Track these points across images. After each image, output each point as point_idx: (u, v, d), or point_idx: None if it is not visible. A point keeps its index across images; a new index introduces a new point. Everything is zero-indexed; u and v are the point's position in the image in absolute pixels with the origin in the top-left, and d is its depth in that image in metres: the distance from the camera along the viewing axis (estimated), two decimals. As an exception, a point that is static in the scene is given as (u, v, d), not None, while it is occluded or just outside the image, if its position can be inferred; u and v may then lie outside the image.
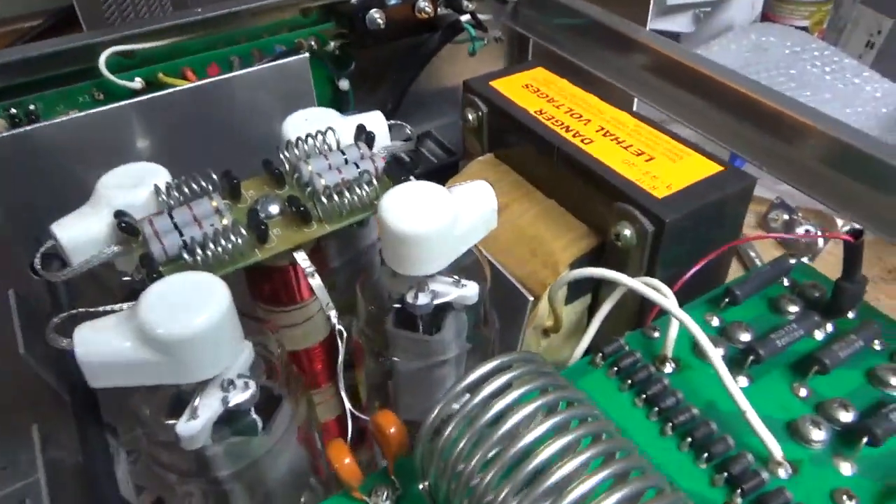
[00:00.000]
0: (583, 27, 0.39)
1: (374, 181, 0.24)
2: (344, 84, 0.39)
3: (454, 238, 0.23)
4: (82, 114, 0.28)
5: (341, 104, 0.40)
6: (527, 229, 0.31)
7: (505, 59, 0.48)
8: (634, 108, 0.34)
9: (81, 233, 0.23)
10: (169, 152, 0.30)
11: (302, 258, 0.24)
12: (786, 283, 0.27)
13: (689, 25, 0.75)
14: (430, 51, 0.42)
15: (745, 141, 0.31)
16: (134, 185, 0.24)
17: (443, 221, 0.22)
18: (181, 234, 0.22)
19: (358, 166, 0.25)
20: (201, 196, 0.24)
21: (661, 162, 0.29)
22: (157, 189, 0.24)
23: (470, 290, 0.24)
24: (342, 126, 0.27)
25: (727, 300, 0.26)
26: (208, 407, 0.21)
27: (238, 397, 0.21)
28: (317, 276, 0.24)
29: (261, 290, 0.26)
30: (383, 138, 0.28)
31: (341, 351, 0.24)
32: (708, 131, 0.33)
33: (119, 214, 0.23)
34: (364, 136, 0.26)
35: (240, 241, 0.22)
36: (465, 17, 0.41)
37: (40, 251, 0.23)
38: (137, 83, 0.33)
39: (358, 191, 0.24)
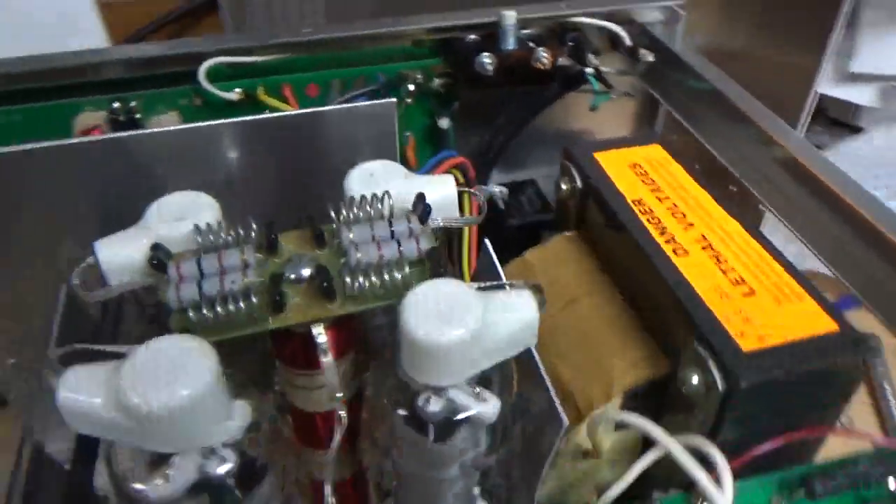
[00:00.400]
0: (718, 104, 0.34)
1: (407, 268, 0.22)
2: (444, 123, 0.37)
3: (479, 352, 0.20)
4: (169, 129, 0.28)
5: (440, 142, 0.38)
6: (592, 333, 0.27)
7: (632, 120, 0.43)
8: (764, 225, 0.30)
9: (121, 255, 0.23)
10: (239, 180, 0.29)
11: (318, 332, 0.22)
12: (893, 485, 0.22)
13: (876, 100, 0.65)
14: (545, 100, 0.38)
15: (884, 293, 0.26)
16: (179, 216, 0.24)
17: (465, 335, 0.20)
18: (200, 288, 0.21)
19: (400, 244, 0.22)
20: (236, 245, 0.23)
21: (762, 300, 0.24)
22: (196, 228, 0.23)
23: (488, 408, 0.22)
24: (405, 187, 0.25)
25: (802, 490, 0.22)
26: (182, 473, 0.20)
27: (216, 468, 0.20)
28: (329, 353, 0.22)
29: (281, 350, 0.24)
30: (449, 207, 0.26)
31: (336, 438, 0.22)
32: (840, 270, 0.27)
33: (155, 248, 0.23)
34: (420, 207, 0.24)
35: (255, 304, 0.21)
36: (589, 70, 0.38)
37: (81, 265, 0.23)
38: (235, 95, 0.33)
39: (389, 275, 0.22)
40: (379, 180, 0.25)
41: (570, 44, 0.36)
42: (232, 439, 0.21)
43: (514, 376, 0.23)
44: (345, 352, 0.24)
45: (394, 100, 0.28)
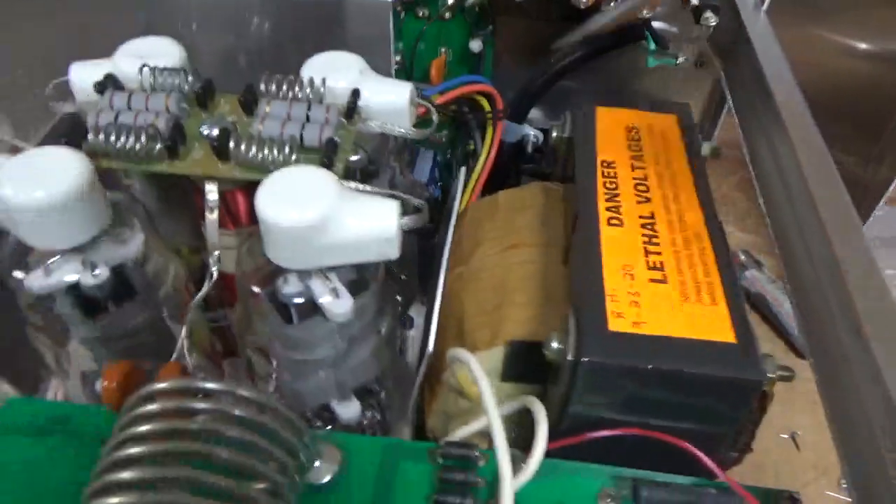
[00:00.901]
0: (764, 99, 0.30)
1: (293, 151, 0.22)
2: (475, 45, 0.35)
3: (327, 245, 0.20)
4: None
5: (475, 67, 0.37)
6: (510, 282, 0.26)
7: (699, 90, 0.39)
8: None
9: (85, 77, 0.25)
10: (229, 45, 0.31)
11: (210, 189, 0.23)
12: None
13: None
14: (594, 49, 0.36)
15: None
16: (143, 57, 0.25)
17: (307, 222, 0.20)
18: (116, 117, 0.23)
19: (303, 128, 0.23)
20: (171, 91, 0.24)
21: (668, 292, 0.22)
22: (142, 69, 0.24)
23: (338, 307, 0.22)
24: (357, 81, 0.25)
25: (630, 491, 0.20)
26: (60, 273, 0.22)
27: (87, 278, 0.22)
28: (216, 211, 0.23)
29: (198, 203, 0.26)
30: (396, 116, 0.26)
31: (204, 289, 0.23)
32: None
33: (107, 76, 0.25)
34: (350, 101, 0.24)
35: (156, 145, 0.22)
36: (657, 24, 0.34)
37: (53, 82, 0.26)
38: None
39: (282, 154, 0.22)
40: (334, 70, 0.25)
41: (631, -10, 0.33)
42: (118, 259, 0.23)
43: (377, 284, 0.23)
44: (247, 222, 0.25)
45: (389, 1, 0.28)
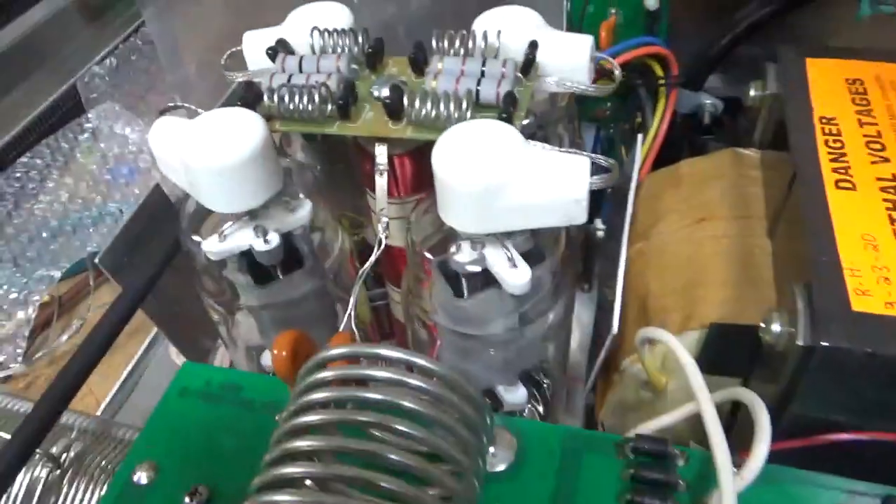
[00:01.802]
0: None
1: (469, 108, 0.20)
2: (650, 3, 0.32)
3: (508, 206, 0.18)
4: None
5: (650, 28, 0.34)
6: (703, 258, 0.23)
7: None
8: None
9: (258, 44, 0.25)
10: (404, 14, 0.29)
11: (379, 152, 0.22)
12: None
13: None
14: (788, 1, 0.31)
15: None
16: (313, 21, 0.25)
17: (479, 181, 0.18)
18: (289, 79, 0.22)
19: (478, 84, 0.21)
20: (339, 53, 0.23)
21: (925, 265, 0.17)
22: (312, 32, 0.24)
23: (516, 277, 0.20)
24: (534, 35, 0.23)
25: (876, 510, 0.16)
26: (233, 240, 0.22)
27: (258, 244, 0.22)
28: (385, 175, 0.22)
29: (364, 172, 0.25)
30: (574, 72, 0.23)
31: (373, 257, 0.22)
32: None
33: (278, 42, 0.24)
34: (528, 55, 0.22)
35: (326, 107, 0.22)
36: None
37: (228, 52, 0.26)
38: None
39: (454, 109, 0.20)
40: (507, 24, 0.23)
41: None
42: (288, 226, 0.23)
43: (557, 256, 0.20)
44: (418, 188, 0.24)
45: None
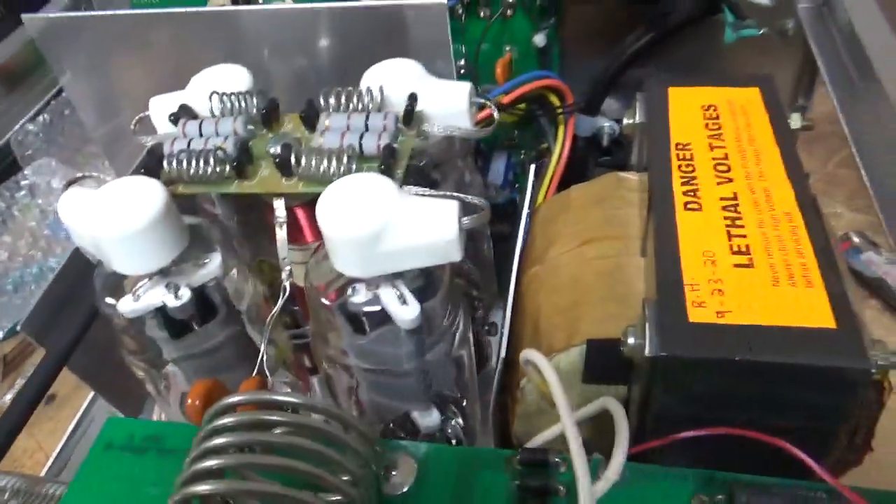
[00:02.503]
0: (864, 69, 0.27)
1: (352, 161, 0.22)
2: (539, 40, 0.34)
3: (390, 251, 0.20)
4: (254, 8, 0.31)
5: (542, 62, 0.36)
6: (586, 278, 0.25)
7: (788, 63, 0.36)
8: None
9: (163, 110, 0.27)
10: (299, 66, 0.31)
11: (277, 206, 0.24)
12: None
13: None
14: (670, 27, 0.34)
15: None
16: (213, 84, 0.27)
17: (366, 229, 0.20)
18: (189, 144, 0.24)
19: (361, 139, 0.23)
20: (238, 114, 0.25)
21: (756, 276, 0.20)
22: (211, 96, 0.25)
23: (406, 313, 0.21)
24: (416, 86, 0.25)
25: (721, 498, 0.18)
26: (147, 298, 0.24)
27: (173, 299, 0.24)
28: (284, 227, 0.24)
29: (268, 222, 0.26)
30: (457, 117, 0.25)
31: (280, 302, 0.24)
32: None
33: (181, 108, 0.26)
34: (407, 106, 0.24)
35: (225, 169, 0.23)
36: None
37: (137, 117, 0.28)
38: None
39: (338, 163, 0.22)
40: (391, 77, 0.25)
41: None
42: (200, 280, 0.24)
43: (445, 288, 0.22)
44: (317, 236, 0.25)
45: (445, 1, 0.28)
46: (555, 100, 0.36)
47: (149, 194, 0.22)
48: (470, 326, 0.25)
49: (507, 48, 0.36)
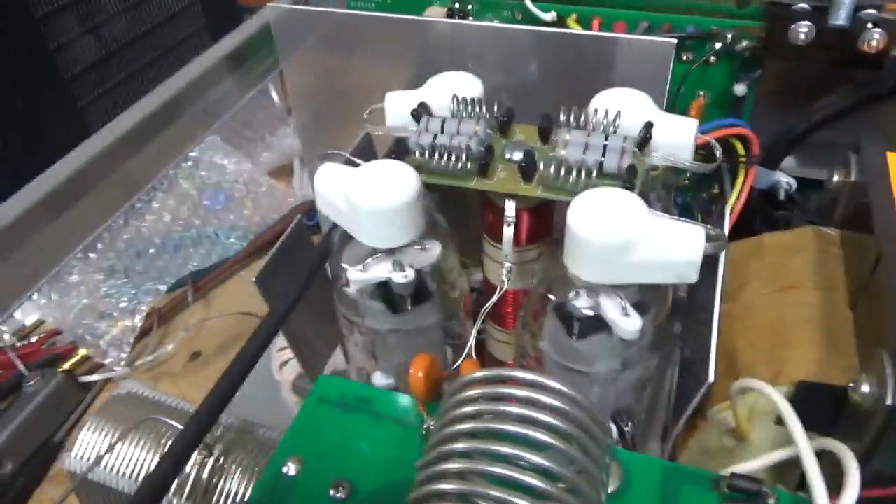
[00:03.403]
0: None
1: (593, 175, 0.23)
2: (740, 89, 0.35)
3: (630, 262, 0.21)
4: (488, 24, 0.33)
5: (734, 110, 0.37)
6: (789, 322, 0.26)
7: None
8: None
9: (399, 105, 0.29)
10: (520, 81, 0.33)
11: (509, 206, 0.25)
12: None
13: None
14: (875, 94, 0.34)
15: None
16: (447, 88, 0.29)
17: (612, 238, 0.21)
18: (434, 138, 0.26)
19: (603, 155, 0.24)
20: (477, 119, 0.27)
21: None
22: (453, 98, 0.27)
23: (628, 325, 0.23)
24: (645, 115, 0.26)
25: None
26: (375, 271, 0.26)
27: (397, 276, 0.25)
28: (512, 226, 0.25)
29: (486, 222, 0.28)
30: (679, 149, 0.26)
31: (495, 297, 0.25)
32: None
33: (420, 105, 0.28)
34: (643, 133, 0.25)
35: (468, 165, 0.25)
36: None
37: (371, 107, 0.30)
38: (549, 16, 0.36)
39: (585, 177, 0.24)
40: (623, 104, 0.27)
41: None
42: (420, 264, 0.26)
43: (663, 311, 0.23)
44: (534, 239, 0.27)
45: (673, 41, 0.29)
46: (740, 148, 0.36)
47: (407, 178, 0.24)
48: (671, 355, 0.26)
49: (701, 92, 0.37)
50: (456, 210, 0.31)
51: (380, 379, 0.30)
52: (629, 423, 0.29)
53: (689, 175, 0.41)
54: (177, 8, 0.80)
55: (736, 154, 0.37)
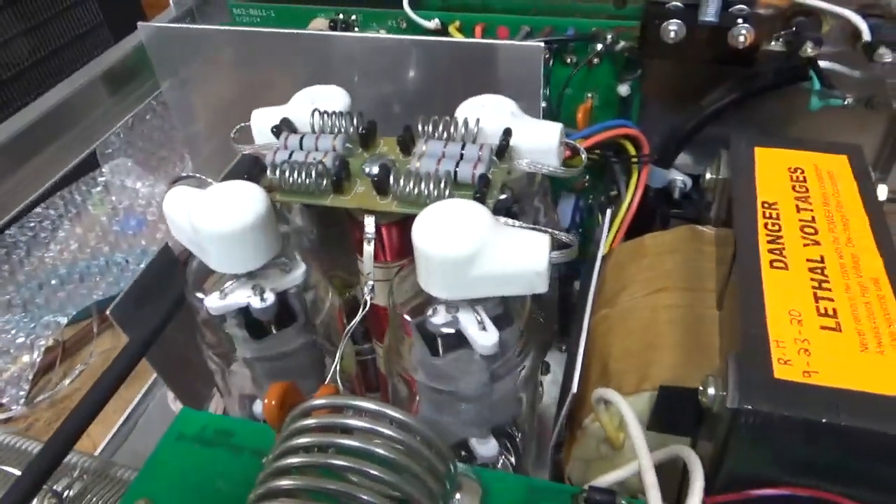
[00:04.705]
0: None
1: (447, 187, 0.23)
2: (623, 90, 0.35)
3: (478, 276, 0.21)
4: (353, 35, 0.33)
5: (622, 111, 0.37)
6: (658, 325, 0.25)
7: (870, 134, 0.36)
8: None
9: (267, 122, 0.28)
10: (408, 90, 0.33)
11: (368, 222, 0.25)
12: None
13: None
14: (750, 90, 0.34)
15: None
16: (314, 102, 0.28)
17: (461, 252, 0.20)
18: (290, 155, 0.25)
19: (458, 166, 0.24)
20: (337, 133, 0.26)
21: (843, 341, 0.20)
22: (313, 113, 0.27)
23: (485, 339, 0.22)
24: (508, 122, 0.26)
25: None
26: (233, 297, 0.25)
27: (255, 301, 0.24)
28: (373, 243, 0.25)
29: (355, 239, 0.27)
30: (545, 155, 0.26)
31: (358, 316, 0.24)
32: None
33: (282, 122, 0.27)
34: (502, 140, 0.25)
35: (322, 182, 0.24)
36: (824, 63, 0.33)
37: (238, 126, 0.29)
38: (432, 24, 0.36)
39: (433, 187, 0.23)
40: (485, 111, 0.26)
41: (792, 29, 0.32)
42: (284, 286, 0.25)
43: (522, 320, 0.23)
44: (401, 255, 0.26)
45: (541, 44, 0.29)
46: (631, 148, 0.36)
47: (253, 199, 0.23)
48: (540, 362, 0.25)
49: (589, 95, 0.37)
50: (335, 226, 0.30)
51: (259, 408, 0.29)
52: (518, 434, 0.29)
53: (587, 178, 0.41)
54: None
55: (628, 154, 0.37)
